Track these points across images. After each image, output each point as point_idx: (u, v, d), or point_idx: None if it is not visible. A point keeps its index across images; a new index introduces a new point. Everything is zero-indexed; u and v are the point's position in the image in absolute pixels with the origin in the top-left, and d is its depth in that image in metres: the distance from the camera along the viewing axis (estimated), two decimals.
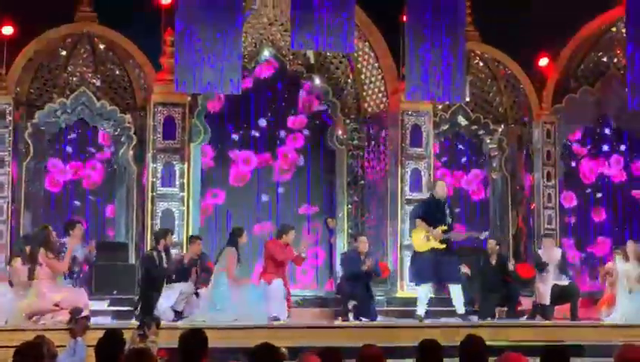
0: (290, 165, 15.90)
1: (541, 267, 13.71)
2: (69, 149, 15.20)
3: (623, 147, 17.15)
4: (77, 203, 15.17)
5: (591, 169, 16.97)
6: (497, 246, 14.05)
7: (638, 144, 17.21)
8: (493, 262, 13.75)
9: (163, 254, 12.48)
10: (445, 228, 12.43)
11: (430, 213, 12.54)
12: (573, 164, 16.90)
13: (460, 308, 12.52)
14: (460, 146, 16.61)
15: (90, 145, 15.28)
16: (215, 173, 15.54)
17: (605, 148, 17.07)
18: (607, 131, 17.06)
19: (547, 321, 13.27)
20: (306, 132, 15.98)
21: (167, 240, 12.66)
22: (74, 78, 14.90)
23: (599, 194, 17.05)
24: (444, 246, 12.42)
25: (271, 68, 15.79)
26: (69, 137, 15.20)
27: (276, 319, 12.29)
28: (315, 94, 15.94)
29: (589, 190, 17.03)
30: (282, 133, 15.91)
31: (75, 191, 15.20)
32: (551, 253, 13.95)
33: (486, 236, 13.90)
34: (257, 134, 15.82)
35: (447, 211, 12.62)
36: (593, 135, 17.08)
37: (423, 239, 12.45)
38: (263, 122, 15.83)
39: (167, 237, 12.72)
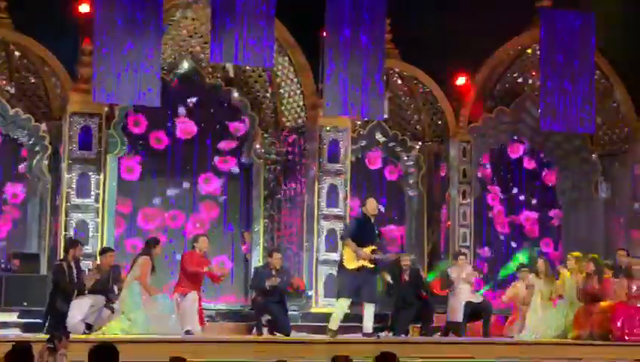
0: (204, 221, 15.64)
1: (448, 284, 13.93)
2: None
3: (534, 201, 17.29)
4: None
5: (502, 222, 17.09)
6: (411, 263, 14.15)
7: (551, 193, 17.41)
8: (407, 278, 13.83)
9: (72, 265, 12.29)
10: (374, 247, 12.43)
11: (362, 232, 12.49)
12: (490, 215, 17.01)
13: (368, 328, 12.46)
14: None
15: (2, 154, 14.95)
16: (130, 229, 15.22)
17: (521, 198, 17.22)
18: (521, 151, 17.25)
19: (460, 338, 13.41)
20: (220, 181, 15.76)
21: (76, 251, 12.47)
22: None
23: (514, 244, 17.18)
24: (373, 265, 12.42)
25: (192, 127, 15.58)
26: None
27: (189, 333, 12.22)
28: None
29: (502, 237, 17.16)
30: (199, 191, 15.67)
31: None
32: (461, 270, 14.15)
33: (412, 258, 14.21)
34: (176, 192, 15.58)
35: (376, 230, 12.67)
36: (506, 173, 17.20)
37: (354, 256, 12.36)
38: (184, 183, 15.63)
39: (77, 248, 12.53)
